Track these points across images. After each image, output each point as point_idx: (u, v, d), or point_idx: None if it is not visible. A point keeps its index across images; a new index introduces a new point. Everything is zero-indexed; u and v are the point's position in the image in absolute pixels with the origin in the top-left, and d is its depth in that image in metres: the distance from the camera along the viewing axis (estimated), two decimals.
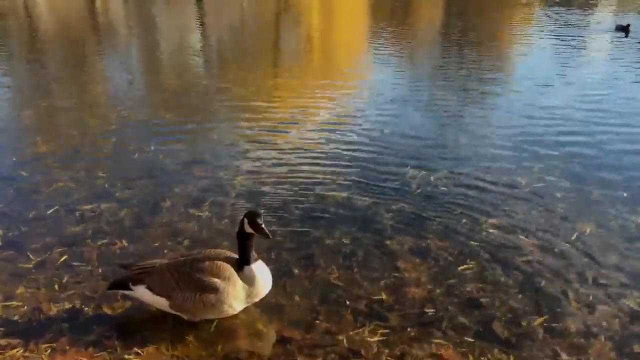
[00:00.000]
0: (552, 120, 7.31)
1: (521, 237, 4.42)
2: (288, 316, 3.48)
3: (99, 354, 3.17)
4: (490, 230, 4.51)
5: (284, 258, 4.12)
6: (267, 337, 3.34)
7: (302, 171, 5.70)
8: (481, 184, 5.38)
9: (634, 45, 12.85)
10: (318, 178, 5.53)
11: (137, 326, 3.43)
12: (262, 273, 3.34)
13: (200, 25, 18.72)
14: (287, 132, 6.97)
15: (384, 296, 3.68)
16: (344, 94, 8.94)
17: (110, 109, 8.13)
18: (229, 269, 3.28)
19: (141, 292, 3.36)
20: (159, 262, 3.40)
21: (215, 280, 3.24)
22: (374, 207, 4.91)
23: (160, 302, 3.34)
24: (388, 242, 4.34)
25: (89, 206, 4.93)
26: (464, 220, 4.66)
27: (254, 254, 3.32)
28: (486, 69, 10.79)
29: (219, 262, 3.30)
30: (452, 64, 11.16)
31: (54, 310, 3.54)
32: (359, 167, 5.79)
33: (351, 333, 3.35)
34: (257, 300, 3.40)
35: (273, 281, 3.52)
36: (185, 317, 3.37)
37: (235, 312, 3.38)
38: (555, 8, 20.43)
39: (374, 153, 6.21)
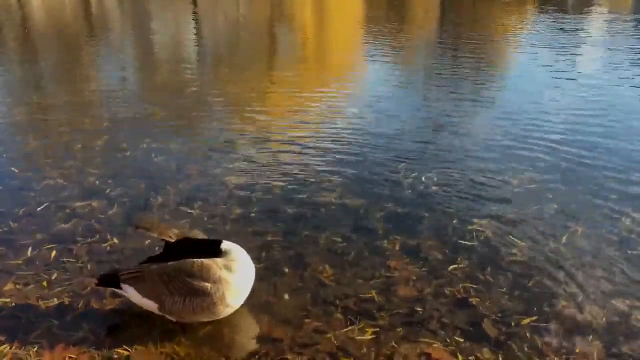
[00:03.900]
0: (545, 123, 7.33)
1: (512, 237, 4.43)
2: (278, 315, 3.48)
3: (87, 350, 3.15)
4: (481, 230, 4.52)
5: (275, 256, 4.12)
6: (256, 336, 3.34)
7: (294, 171, 5.70)
8: (473, 184, 5.39)
9: (634, 53, 12.92)
10: (310, 178, 5.53)
11: (126, 324, 3.42)
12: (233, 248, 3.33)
13: (195, 24, 18.68)
14: (279, 132, 6.97)
15: (374, 295, 3.69)
16: (337, 95, 8.94)
17: (102, 106, 8.10)
18: (217, 269, 3.22)
19: (130, 293, 3.34)
20: (147, 267, 3.33)
21: (206, 284, 3.19)
22: (365, 207, 4.91)
23: (149, 305, 3.32)
24: (379, 241, 4.35)
25: (80, 203, 4.91)
26: (455, 220, 4.67)
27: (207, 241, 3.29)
28: (480, 72, 10.82)
29: (207, 264, 3.24)
30: (446, 68, 11.18)
31: (42, 306, 3.53)
32: (351, 167, 5.80)
33: (341, 332, 3.35)
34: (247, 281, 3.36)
35: (264, 280, 3.51)
36: (175, 320, 3.35)
37: (232, 311, 3.35)
38: (552, 13, 20.52)
39: (366, 153, 6.21)
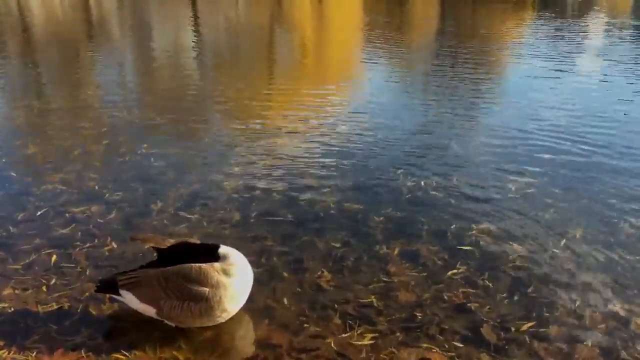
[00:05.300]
0: (543, 129, 7.35)
1: (510, 242, 4.44)
2: (277, 320, 3.47)
3: (86, 356, 3.15)
4: (480, 236, 4.52)
5: (274, 261, 4.11)
6: (255, 341, 3.33)
7: (294, 176, 5.70)
8: (471, 189, 5.40)
9: (633, 57, 12.96)
10: (309, 183, 5.53)
11: (125, 329, 3.41)
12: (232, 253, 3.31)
13: (194, 26, 18.70)
14: (279, 137, 6.98)
15: (373, 300, 3.69)
16: (337, 99, 8.97)
17: (102, 110, 8.11)
18: (215, 274, 3.22)
19: (129, 298, 3.33)
20: (145, 272, 3.34)
21: (204, 289, 3.19)
22: (364, 212, 4.92)
23: (147, 310, 3.32)
24: (378, 246, 4.35)
25: (79, 208, 4.91)
26: (454, 226, 4.68)
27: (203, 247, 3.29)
28: (479, 79, 10.84)
29: (205, 268, 3.24)
30: (445, 74, 11.21)
31: (41, 311, 3.52)
32: (350, 172, 5.81)
33: (340, 337, 3.34)
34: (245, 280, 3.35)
35: (263, 285, 3.49)
36: (173, 325, 3.35)
37: (230, 316, 3.35)
38: (551, 19, 20.57)
39: (365, 158, 6.23)
